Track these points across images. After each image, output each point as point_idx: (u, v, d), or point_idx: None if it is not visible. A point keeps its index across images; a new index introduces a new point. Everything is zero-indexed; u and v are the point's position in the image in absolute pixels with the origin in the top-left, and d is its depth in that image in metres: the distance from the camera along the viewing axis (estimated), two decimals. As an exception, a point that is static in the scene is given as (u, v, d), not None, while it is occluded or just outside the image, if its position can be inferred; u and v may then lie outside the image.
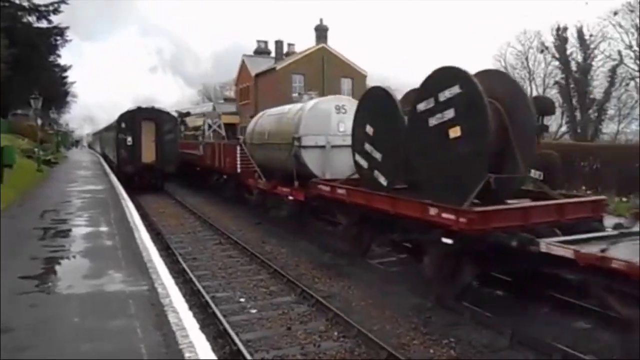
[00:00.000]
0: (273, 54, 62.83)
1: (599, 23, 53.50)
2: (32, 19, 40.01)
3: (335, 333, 9.25)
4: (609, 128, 54.75)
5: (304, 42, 72.56)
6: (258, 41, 67.12)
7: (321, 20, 54.88)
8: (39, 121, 40.11)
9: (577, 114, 54.02)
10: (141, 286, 8.43)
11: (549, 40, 57.77)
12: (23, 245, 11.47)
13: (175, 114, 37.15)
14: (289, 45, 63.02)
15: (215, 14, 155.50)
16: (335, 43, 61.06)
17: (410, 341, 8.95)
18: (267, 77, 55.84)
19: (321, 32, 54.65)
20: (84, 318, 6.99)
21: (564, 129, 56.03)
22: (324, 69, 52.56)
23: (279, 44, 61.71)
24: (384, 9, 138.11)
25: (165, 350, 5.92)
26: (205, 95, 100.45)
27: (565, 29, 55.65)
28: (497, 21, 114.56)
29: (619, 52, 50.84)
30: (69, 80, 59.66)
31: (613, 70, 51.26)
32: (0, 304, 7.38)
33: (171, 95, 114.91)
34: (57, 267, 9.86)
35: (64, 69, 53.99)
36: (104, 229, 13.59)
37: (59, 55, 47.81)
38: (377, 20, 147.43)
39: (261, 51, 65.63)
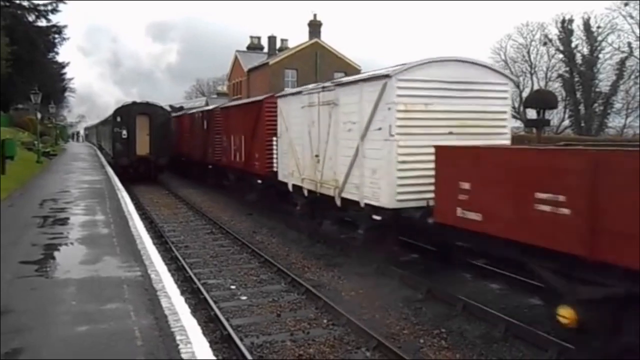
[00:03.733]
0: (266, 50, 62.47)
1: (608, 14, 52.09)
2: (31, 18, 40.06)
3: (325, 321, 9.27)
4: (615, 122, 53.62)
5: (298, 38, 72.26)
6: (251, 37, 66.77)
7: (315, 15, 54.67)
8: (39, 115, 40.05)
9: (581, 107, 53.15)
10: (135, 272, 8.47)
11: (553, 32, 56.28)
12: (23, 233, 11.52)
13: (168, 109, 37.21)
14: (282, 40, 62.64)
15: (208, 10, 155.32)
16: (329, 37, 60.68)
17: (400, 331, 8.91)
18: (260, 72, 55.58)
19: (315, 27, 54.35)
20: (81, 301, 7.05)
21: (566, 122, 55.28)
22: (317, 63, 52.27)
23: (272, 39, 61.26)
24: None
25: (157, 333, 5.96)
26: (199, 90, 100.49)
27: (570, 20, 54.39)
28: (497, 12, 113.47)
29: (629, 44, 49.73)
30: (67, 76, 59.88)
31: (622, 63, 49.97)
32: (1, 286, 7.45)
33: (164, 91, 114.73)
34: (56, 253, 9.90)
35: (62, 65, 54.11)
36: (100, 217, 13.61)
37: (57, 53, 47.95)
38: (373, 11, 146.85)
39: (254, 47, 65.27)
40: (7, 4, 36.30)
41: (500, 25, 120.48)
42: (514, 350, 8.17)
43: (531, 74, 59.85)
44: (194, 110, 33.53)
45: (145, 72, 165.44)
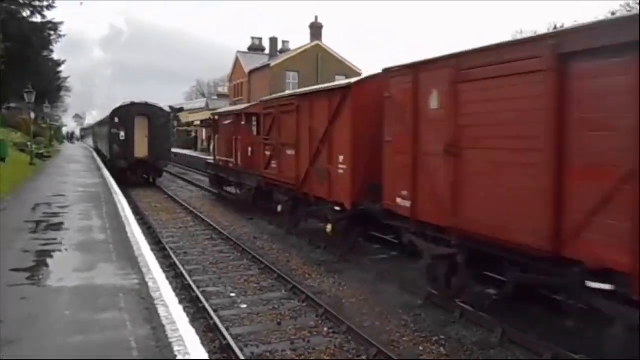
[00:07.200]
0: (267, 51, 62.81)
1: (598, 22, 53.17)
2: (26, 13, 40.00)
3: (325, 329, 9.28)
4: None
5: (299, 40, 72.53)
6: (252, 38, 67.17)
7: (316, 17, 55.10)
8: (33, 115, 40.04)
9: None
10: (132, 280, 8.41)
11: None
12: (14, 238, 11.41)
13: (168, 110, 37.09)
14: (284, 42, 63.14)
15: (212, 10, 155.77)
16: (330, 40, 60.98)
17: (400, 338, 8.96)
18: (261, 74, 55.69)
19: (316, 29, 54.70)
20: (75, 311, 6.97)
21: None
22: (318, 66, 52.46)
23: (273, 41, 61.78)
24: (380, 5, 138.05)
25: (154, 343, 5.90)
26: (199, 91, 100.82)
27: (562, 27, 55.18)
28: (492, 19, 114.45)
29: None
30: (63, 75, 59.77)
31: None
32: (-9, 296, 7.37)
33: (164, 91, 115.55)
34: (49, 260, 9.80)
35: (58, 63, 53.95)
36: (96, 222, 13.55)
37: (52, 50, 47.85)
38: (372, 16, 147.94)
39: (255, 48, 65.63)
40: (1, -1, 36.24)
41: (495, 32, 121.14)
42: (509, 356, 8.22)
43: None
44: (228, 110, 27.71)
45: (137, 72, 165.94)
